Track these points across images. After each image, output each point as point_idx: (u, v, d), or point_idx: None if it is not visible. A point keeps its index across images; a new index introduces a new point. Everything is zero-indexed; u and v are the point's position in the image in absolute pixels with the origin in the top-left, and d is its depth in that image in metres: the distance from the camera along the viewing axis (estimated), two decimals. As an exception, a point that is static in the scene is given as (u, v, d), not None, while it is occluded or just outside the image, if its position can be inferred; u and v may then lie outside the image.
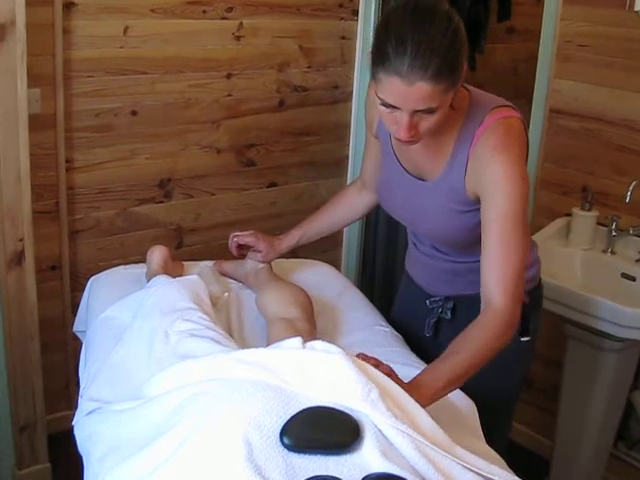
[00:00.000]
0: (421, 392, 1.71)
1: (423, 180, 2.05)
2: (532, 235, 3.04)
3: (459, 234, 2.02)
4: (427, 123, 1.76)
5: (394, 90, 1.70)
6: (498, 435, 1.90)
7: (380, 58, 1.70)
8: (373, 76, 1.75)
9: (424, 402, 1.67)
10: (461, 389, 1.91)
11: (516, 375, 2.29)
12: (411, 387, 1.72)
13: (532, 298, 2.15)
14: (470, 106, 1.92)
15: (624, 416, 3.06)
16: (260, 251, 2.48)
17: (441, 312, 2.24)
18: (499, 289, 1.82)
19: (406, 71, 1.66)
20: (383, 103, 1.75)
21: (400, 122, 1.76)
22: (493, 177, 1.83)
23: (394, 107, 1.74)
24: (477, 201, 1.91)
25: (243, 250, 2.52)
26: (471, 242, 2.00)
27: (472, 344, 1.81)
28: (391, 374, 1.71)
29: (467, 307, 2.08)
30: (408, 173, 2.08)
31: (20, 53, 2.59)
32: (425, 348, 2.23)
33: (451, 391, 1.84)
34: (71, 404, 3.30)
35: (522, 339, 2.13)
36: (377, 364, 1.71)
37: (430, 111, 1.73)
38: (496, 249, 1.84)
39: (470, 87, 1.97)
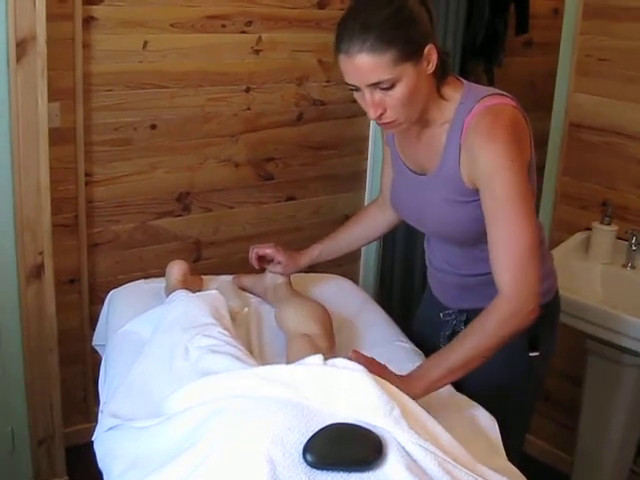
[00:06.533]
0: (414, 384, 1.81)
1: (424, 175, 2.07)
2: (551, 249, 3.04)
3: (462, 226, 2.01)
4: (391, 100, 1.84)
5: (344, 68, 1.83)
6: (510, 451, 1.89)
7: (335, 46, 1.84)
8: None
9: (416, 394, 1.75)
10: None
11: (526, 392, 2.25)
12: (404, 380, 1.82)
13: (544, 314, 2.02)
14: (462, 96, 1.95)
15: (644, 432, 3.04)
16: (280, 262, 2.48)
17: (455, 324, 2.24)
18: (504, 276, 1.84)
19: (347, 47, 1.79)
20: (349, 87, 1.87)
21: (367, 101, 1.85)
22: (485, 167, 1.85)
23: (355, 87, 1.85)
24: (477, 191, 1.92)
25: (263, 263, 2.51)
26: (476, 236, 1.99)
27: (475, 333, 1.87)
28: (384, 370, 1.79)
29: None
30: (410, 170, 2.12)
31: (40, 67, 2.61)
32: None
33: (450, 382, 1.91)
34: (89, 417, 3.30)
35: (530, 354, 2.14)
36: (372, 362, 1.77)
37: (387, 86, 1.81)
38: (498, 237, 1.85)
39: (465, 80, 2.01)
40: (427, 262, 2.32)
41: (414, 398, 1.70)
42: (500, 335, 1.85)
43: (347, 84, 1.87)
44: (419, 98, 1.88)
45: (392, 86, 1.81)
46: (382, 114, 1.87)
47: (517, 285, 1.83)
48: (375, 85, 1.81)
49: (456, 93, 1.96)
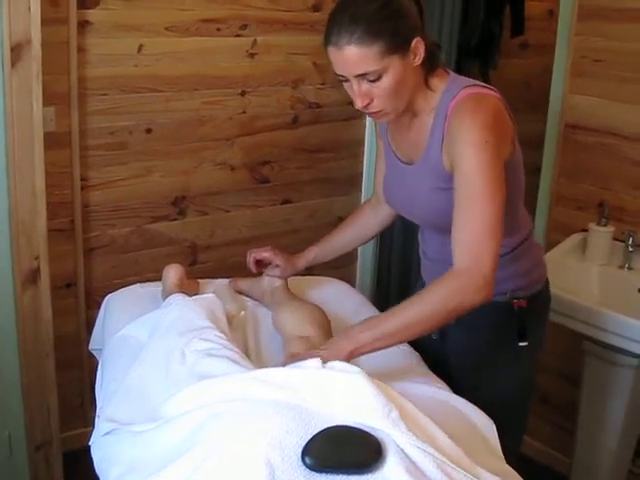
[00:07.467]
0: (340, 345, 1.85)
1: (412, 164, 2.09)
2: (547, 251, 3.05)
3: (447, 214, 1.97)
4: (378, 91, 1.87)
5: (333, 59, 1.86)
6: (507, 452, 1.88)
7: (325, 38, 1.86)
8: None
9: (338, 355, 1.78)
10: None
11: (515, 383, 2.24)
12: (332, 341, 1.92)
13: (532, 305, 2.14)
14: (447, 85, 1.98)
15: (642, 432, 3.04)
16: (278, 266, 2.48)
17: None
18: (457, 250, 1.82)
19: (335, 39, 1.82)
20: (338, 77, 1.90)
21: (354, 92, 1.89)
22: (459, 143, 1.86)
23: (343, 77, 1.88)
24: None
25: (261, 267, 2.51)
26: None
27: (417, 302, 1.88)
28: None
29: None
30: (400, 161, 2.14)
31: (35, 72, 2.61)
32: (432, 350, 2.24)
33: (380, 348, 1.88)
34: (86, 421, 3.30)
35: (520, 344, 2.13)
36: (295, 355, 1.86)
37: (374, 78, 1.84)
38: (459, 213, 1.84)
39: (452, 72, 2.03)
40: (421, 253, 2.32)
41: (342, 359, 1.73)
42: (442, 309, 1.83)
43: (336, 74, 1.89)
44: (405, 90, 1.91)
45: (379, 77, 1.84)
46: (369, 104, 1.90)
47: (468, 261, 1.80)
48: (362, 76, 1.85)
49: (442, 83, 1.99)
